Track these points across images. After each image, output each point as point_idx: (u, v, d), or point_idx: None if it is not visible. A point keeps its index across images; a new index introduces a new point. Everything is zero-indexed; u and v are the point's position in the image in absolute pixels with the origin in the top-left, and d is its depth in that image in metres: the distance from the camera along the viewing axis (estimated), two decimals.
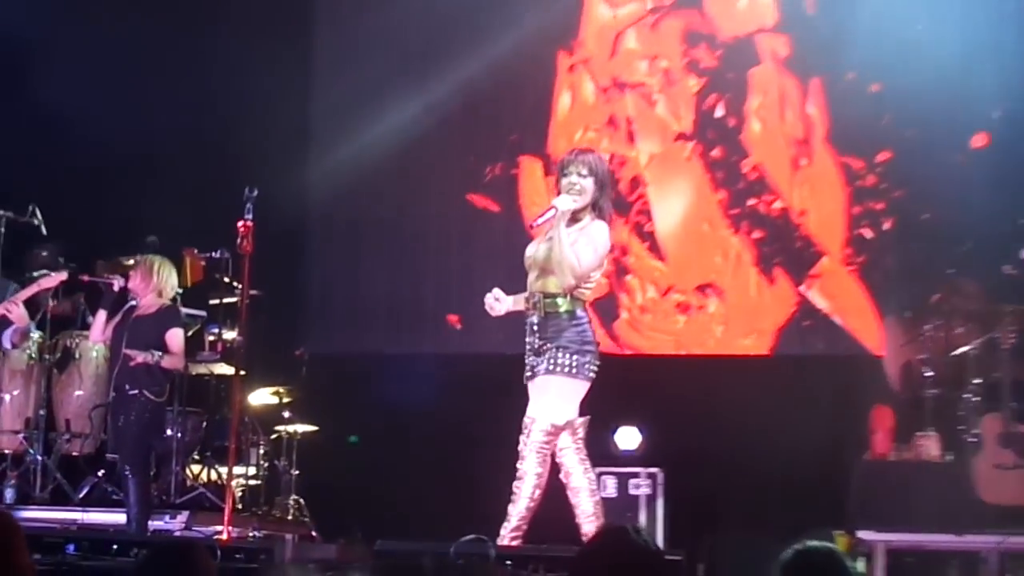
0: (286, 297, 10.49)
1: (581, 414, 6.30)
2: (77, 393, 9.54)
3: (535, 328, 6.25)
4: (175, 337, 8.37)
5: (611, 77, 10.83)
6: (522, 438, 6.20)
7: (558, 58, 10.90)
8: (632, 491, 9.44)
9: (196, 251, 9.65)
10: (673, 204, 10.60)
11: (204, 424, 9.58)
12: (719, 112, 10.57)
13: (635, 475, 9.49)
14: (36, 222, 9.20)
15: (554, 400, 6.19)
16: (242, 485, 9.59)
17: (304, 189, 11.06)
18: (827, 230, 10.39)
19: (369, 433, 10.50)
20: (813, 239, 10.35)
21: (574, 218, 6.29)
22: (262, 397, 10.04)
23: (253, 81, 10.45)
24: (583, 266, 6.20)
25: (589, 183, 6.30)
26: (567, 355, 6.16)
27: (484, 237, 10.78)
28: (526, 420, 6.22)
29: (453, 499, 9.20)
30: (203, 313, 9.70)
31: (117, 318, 8.42)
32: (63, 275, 8.58)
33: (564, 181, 6.35)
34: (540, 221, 6.29)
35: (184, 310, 9.11)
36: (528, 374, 6.33)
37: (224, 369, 9.64)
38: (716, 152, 10.55)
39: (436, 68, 10.86)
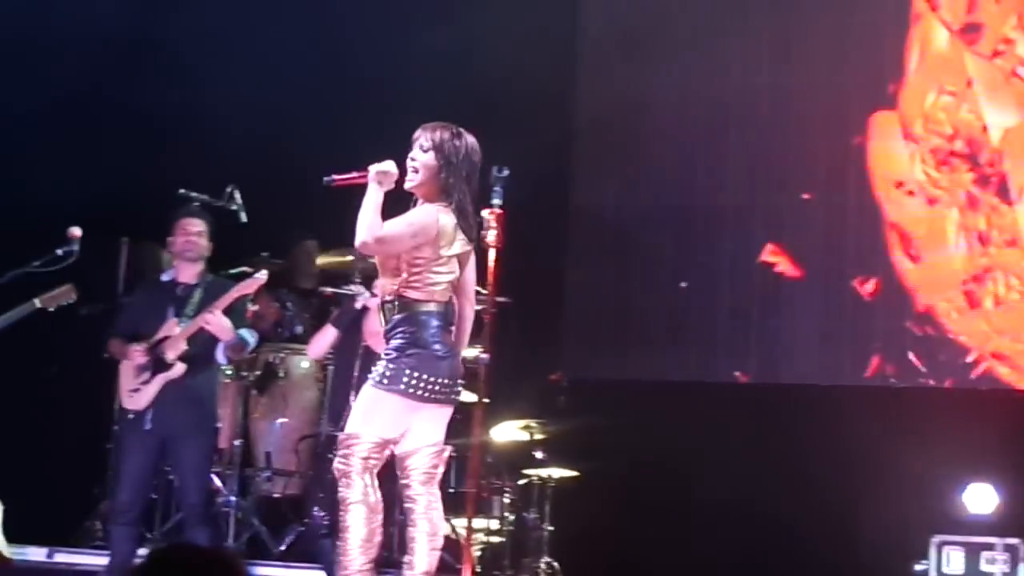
0: (541, 306, 9.76)
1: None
2: (281, 421, 9.14)
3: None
4: None
5: (966, 24, 9.73)
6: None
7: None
8: (985, 567, 8.70)
9: None
10: None
11: None
12: None
13: (989, 547, 8.75)
14: (234, 207, 8.62)
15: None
16: (482, 542, 9.07)
17: (565, 163, 10.20)
18: None
19: (645, 483, 9.64)
20: None
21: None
22: (509, 432, 9.48)
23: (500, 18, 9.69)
24: (383, 230, 5.93)
25: (430, 159, 6.07)
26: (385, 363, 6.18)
27: (797, 230, 9.80)
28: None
29: (750, 563, 8.98)
30: None
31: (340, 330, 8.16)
32: (262, 277, 7.89)
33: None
34: (337, 180, 6.06)
35: None
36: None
37: (463, 395, 9.02)
38: None
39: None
